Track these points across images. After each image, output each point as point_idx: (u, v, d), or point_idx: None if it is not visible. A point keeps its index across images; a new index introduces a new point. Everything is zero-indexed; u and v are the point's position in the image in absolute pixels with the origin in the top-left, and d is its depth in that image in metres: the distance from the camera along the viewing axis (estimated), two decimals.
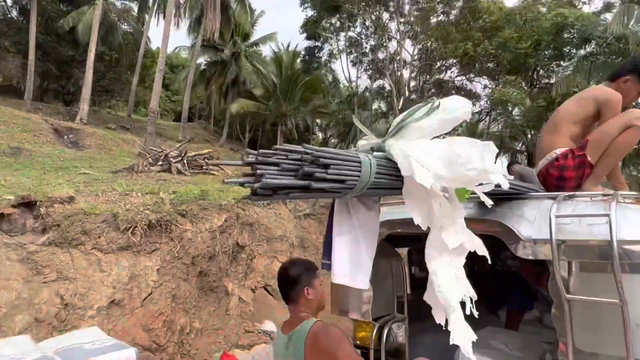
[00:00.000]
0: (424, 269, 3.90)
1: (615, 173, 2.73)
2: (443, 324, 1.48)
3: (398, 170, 1.37)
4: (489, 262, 1.56)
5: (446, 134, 1.59)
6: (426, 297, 1.51)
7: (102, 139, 13.99)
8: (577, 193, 2.27)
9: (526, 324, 4.16)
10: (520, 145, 20.18)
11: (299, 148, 1.18)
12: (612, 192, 2.12)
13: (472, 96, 19.87)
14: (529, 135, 17.90)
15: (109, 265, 4.48)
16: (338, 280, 1.54)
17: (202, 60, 26.15)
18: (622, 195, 2.11)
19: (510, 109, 15.48)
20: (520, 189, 2.38)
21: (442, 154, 1.33)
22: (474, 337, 1.42)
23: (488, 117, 20.54)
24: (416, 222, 1.39)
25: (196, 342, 4.97)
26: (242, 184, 1.13)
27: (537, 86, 17.01)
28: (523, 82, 15.22)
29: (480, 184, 1.43)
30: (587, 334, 1.98)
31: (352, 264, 1.56)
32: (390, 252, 3.04)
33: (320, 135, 36.38)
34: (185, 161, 9.36)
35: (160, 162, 9.08)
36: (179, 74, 28.30)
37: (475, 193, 1.53)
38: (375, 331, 2.89)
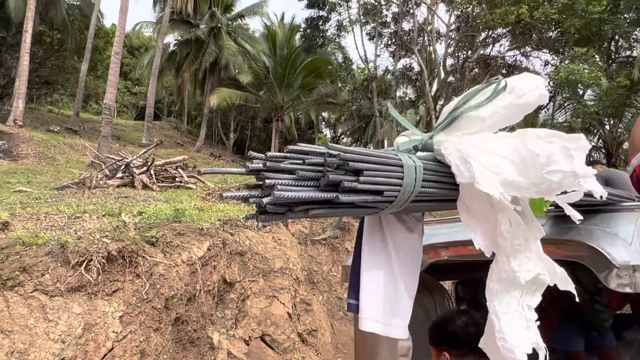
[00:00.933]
0: (477, 306, 3.85)
1: None
2: None
3: (451, 175, 1.34)
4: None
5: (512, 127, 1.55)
6: (482, 345, 1.47)
7: (42, 146, 14.13)
8: None
9: None
10: (596, 139, 20.08)
11: (321, 149, 1.16)
12: None
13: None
14: (607, 126, 17.79)
15: (56, 313, 4.47)
16: (369, 328, 1.50)
17: (170, 39, 26.47)
18: None
19: (581, 91, 15.41)
20: (611, 199, 2.35)
21: (511, 153, 1.30)
22: None
23: (552, 104, 20.48)
24: (477, 246, 1.36)
25: None
26: (245, 199, 1.11)
27: (617, 61, 16.96)
28: (597, 56, 15.18)
29: (564, 192, 1.40)
30: None
31: (386, 305, 1.52)
32: (433, 287, 3.01)
33: (327, 133, 36.51)
34: (152, 172, 9.40)
35: (120, 174, 9.13)
36: (141, 58, 28.54)
37: (555, 205, 1.49)
38: None
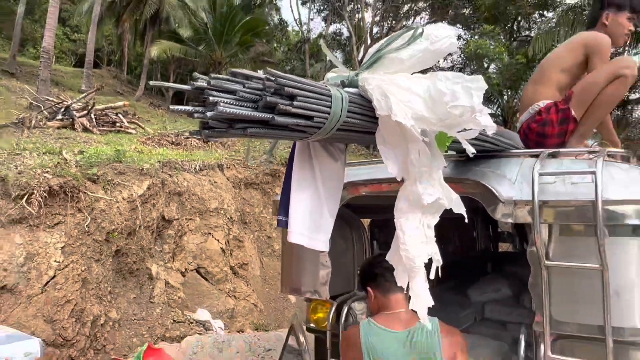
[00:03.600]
0: (388, 245, 4.06)
1: (607, 128, 2.95)
2: (405, 287, 1.58)
3: (372, 109, 1.41)
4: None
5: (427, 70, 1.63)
6: (389, 257, 1.59)
7: None
8: (561, 150, 2.44)
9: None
10: (495, 108, 21.07)
11: (260, 75, 1.17)
12: (598, 149, 2.31)
13: None
14: (505, 97, 18.68)
15: None
16: (296, 240, 1.58)
17: None
18: (609, 153, 2.30)
19: (486, 64, 16.01)
20: (501, 145, 2.53)
21: (423, 92, 1.37)
22: (431, 302, 1.54)
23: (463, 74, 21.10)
24: (390, 171, 1.45)
25: (113, 334, 4.90)
26: (190, 113, 1.11)
27: (517, 39, 17.67)
28: (502, 34, 15.76)
29: (463, 130, 1.51)
30: (564, 303, 2.19)
31: (311, 222, 1.60)
32: (351, 220, 3.13)
33: None
34: (92, 116, 8.89)
35: (59, 117, 8.55)
36: (80, 5, 26.22)
37: (457, 150, 1.60)
38: (333, 311, 2.99)
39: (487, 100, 19.08)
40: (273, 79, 1.14)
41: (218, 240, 6.72)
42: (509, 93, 17.25)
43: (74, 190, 4.81)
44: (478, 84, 1.29)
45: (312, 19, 24.31)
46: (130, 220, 5.37)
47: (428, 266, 1.65)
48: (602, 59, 2.68)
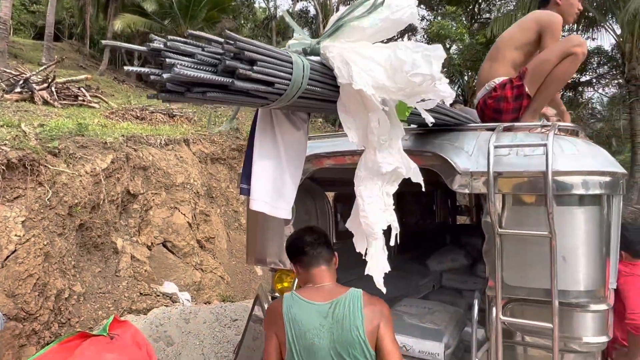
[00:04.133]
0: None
1: (557, 103, 3.03)
2: (363, 252, 1.59)
3: (333, 78, 1.39)
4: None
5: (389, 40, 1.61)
6: (348, 225, 1.60)
7: None
8: (515, 124, 2.50)
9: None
10: (456, 88, 21.33)
11: (219, 39, 1.13)
12: (550, 123, 2.36)
13: (407, 29, 20.32)
14: (466, 78, 18.93)
15: None
16: (258, 207, 1.56)
17: None
18: (560, 127, 2.37)
19: (448, 45, 16.13)
20: (460, 120, 2.56)
21: (384, 60, 1.36)
22: (387, 268, 1.56)
23: None
24: (351, 139, 1.44)
25: (78, 308, 4.80)
26: (147, 75, 1.06)
27: (478, 21, 17.85)
28: (463, 16, 15.87)
29: (422, 100, 1.51)
30: (515, 269, 2.26)
31: (273, 190, 1.58)
32: (315, 191, 3.13)
33: None
34: (53, 89, 8.48)
35: (18, 89, 8.11)
36: None
37: (418, 124, 1.60)
38: (296, 280, 3.01)
39: (449, 81, 19.28)
40: (232, 42, 1.09)
41: (184, 214, 6.62)
42: (469, 73, 17.49)
43: (34, 163, 4.61)
44: (437, 52, 1.28)
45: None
46: (94, 195, 5.21)
47: (387, 236, 1.67)
48: (554, 37, 2.73)
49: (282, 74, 1.23)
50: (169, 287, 5.86)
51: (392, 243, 1.63)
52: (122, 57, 25.44)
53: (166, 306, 5.12)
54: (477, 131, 2.51)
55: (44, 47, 17.87)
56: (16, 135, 4.83)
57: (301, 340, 1.84)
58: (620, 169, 2.30)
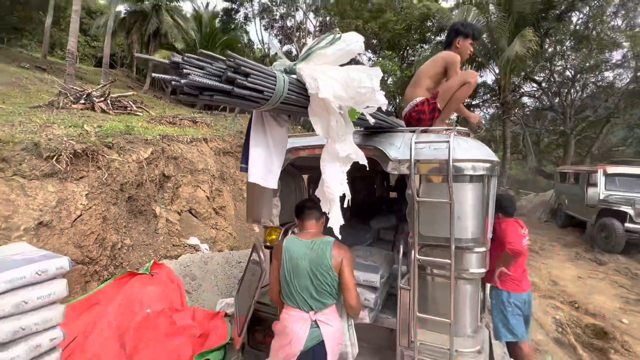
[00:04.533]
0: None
1: (462, 112, 3.06)
2: (327, 211, 1.58)
3: (305, 90, 1.35)
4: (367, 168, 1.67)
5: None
6: (317, 193, 1.58)
7: (15, 77, 11.26)
8: (429, 128, 2.51)
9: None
10: (391, 107, 21.42)
11: (223, 58, 1.07)
12: (452, 128, 2.39)
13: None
14: (397, 100, 19.03)
15: (33, 191, 3.80)
16: (253, 180, 1.52)
17: (121, 8, 21.87)
18: (457, 131, 2.40)
19: (386, 78, 16.19)
20: (393, 125, 2.56)
21: (340, 78, 1.33)
22: (342, 222, 1.56)
23: None
24: (317, 132, 1.41)
25: (128, 255, 4.63)
26: (169, 81, 1.00)
27: (406, 62, 17.90)
28: (397, 58, 15.89)
29: (368, 107, 1.49)
30: (427, 224, 2.30)
31: (265, 168, 1.54)
32: (294, 173, 3.09)
33: None
34: (109, 101, 8.06)
35: (82, 101, 7.67)
36: (98, 19, 23.32)
37: (365, 127, 1.58)
38: (281, 234, 2.98)
39: (388, 102, 19.34)
40: (233, 60, 1.04)
41: (204, 190, 6.46)
42: (400, 97, 17.55)
43: (94, 153, 4.38)
44: (376, 73, 1.26)
45: (271, 40, 23.22)
46: (139, 176, 5.01)
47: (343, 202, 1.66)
48: (455, 70, 2.75)
49: (268, 84, 1.18)
50: (193, 240, 5.73)
51: (345, 205, 1.62)
52: (160, 81, 24.36)
53: (191, 254, 5.01)
54: (404, 133, 2.52)
55: (102, 72, 16.97)
56: (80, 133, 4.58)
57: (291, 262, 2.03)
58: (496, 158, 2.36)
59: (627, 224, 7.74)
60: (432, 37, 15.48)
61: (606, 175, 9.09)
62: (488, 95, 18.10)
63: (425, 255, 2.36)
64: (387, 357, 2.66)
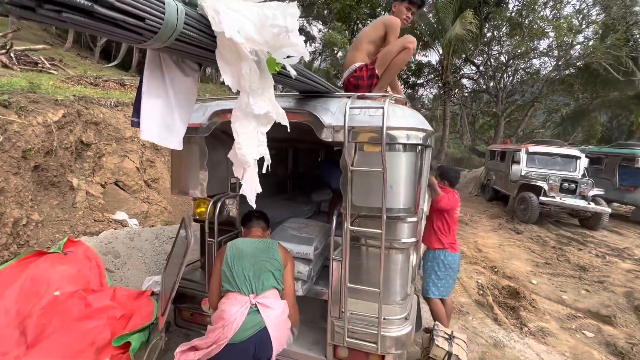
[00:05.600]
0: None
1: (395, 84, 2.99)
2: (241, 177, 1.39)
3: (210, 27, 1.10)
4: (288, 130, 1.49)
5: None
6: (230, 155, 1.37)
7: None
8: (366, 94, 2.39)
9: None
10: (340, 84, 21.25)
11: None
12: (388, 95, 2.29)
13: (310, 37, 19.57)
14: None
15: None
16: (147, 137, 1.26)
17: None
18: (393, 97, 2.31)
19: (335, 50, 15.88)
20: (325, 87, 2.39)
21: (253, 16, 1.10)
22: (259, 189, 1.39)
23: (320, 56, 20.80)
24: (227, 82, 1.18)
25: (37, 233, 4.04)
26: None
27: (355, 34, 17.68)
28: (347, 31, 15.58)
29: (289, 57, 1.29)
30: (360, 194, 2.22)
31: (163, 125, 1.28)
32: (222, 139, 2.82)
33: None
34: (12, 55, 6.80)
35: None
36: None
37: (284, 69, 1.38)
38: (210, 206, 2.74)
39: (335, 76, 19.16)
40: None
41: (133, 161, 5.84)
42: None
43: None
44: (292, 10, 1.06)
45: None
46: (47, 142, 4.31)
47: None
48: (395, 35, 2.64)
49: (153, 11, 0.92)
50: (120, 215, 5.20)
51: (263, 170, 1.44)
52: (86, 39, 21.38)
53: (115, 229, 4.52)
54: (340, 99, 2.37)
55: (9, 22, 14.34)
56: None
57: (234, 251, 2.04)
58: (430, 128, 2.32)
59: (541, 197, 8.64)
60: (382, 12, 15.36)
61: (528, 153, 9.99)
62: (432, 75, 18.72)
63: (359, 225, 2.30)
64: (321, 328, 2.64)
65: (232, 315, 1.76)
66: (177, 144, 1.33)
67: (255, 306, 1.84)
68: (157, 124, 1.24)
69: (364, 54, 2.73)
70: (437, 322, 3.02)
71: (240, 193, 1.42)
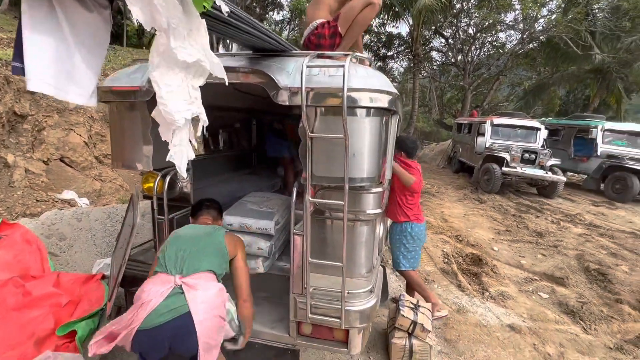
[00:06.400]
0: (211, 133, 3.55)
1: (358, 43, 2.77)
2: (169, 140, 1.15)
3: None
4: (227, 83, 1.26)
5: None
6: (154, 114, 1.13)
7: None
8: (325, 52, 2.18)
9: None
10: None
11: None
12: (350, 53, 2.07)
13: (277, 5, 18.55)
14: None
15: None
16: (37, 88, 0.99)
17: None
18: (355, 57, 2.10)
19: (304, 18, 15.17)
20: (285, 47, 2.14)
21: None
22: (192, 156, 1.17)
23: (289, 25, 19.89)
24: (137, 17, 0.92)
25: None
26: None
27: None
28: None
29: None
30: (321, 163, 2.04)
31: (59, 72, 1.01)
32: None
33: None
34: None
35: None
36: None
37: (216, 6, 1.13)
38: (158, 180, 2.47)
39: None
40: None
41: (80, 135, 5.31)
42: None
43: None
44: None
45: None
46: None
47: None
48: None
49: None
50: (68, 194, 4.76)
51: (198, 134, 1.21)
52: None
53: (59, 209, 4.11)
54: (297, 56, 2.13)
55: None
56: None
57: (174, 235, 1.88)
58: (395, 91, 2.14)
59: (503, 168, 8.92)
60: None
61: (492, 125, 10.21)
62: (402, 47, 18.50)
63: (321, 197, 2.14)
64: (285, 305, 2.52)
65: (150, 294, 1.51)
66: (82, 97, 1.07)
67: (180, 287, 1.55)
68: (50, 70, 0.96)
69: (325, 11, 2.48)
70: (403, 293, 3.01)
71: (170, 160, 1.18)
